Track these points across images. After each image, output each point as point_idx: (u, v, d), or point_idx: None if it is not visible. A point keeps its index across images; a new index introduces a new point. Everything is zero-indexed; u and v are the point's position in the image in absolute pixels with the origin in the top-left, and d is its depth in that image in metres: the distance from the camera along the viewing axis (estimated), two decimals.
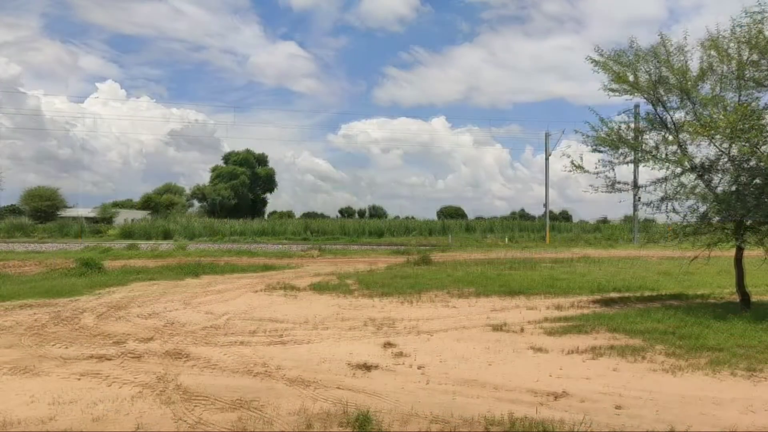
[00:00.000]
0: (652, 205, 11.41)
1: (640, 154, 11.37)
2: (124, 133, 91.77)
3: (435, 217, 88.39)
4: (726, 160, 10.53)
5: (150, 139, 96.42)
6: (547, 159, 51.21)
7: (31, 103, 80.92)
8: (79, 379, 6.08)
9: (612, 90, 11.34)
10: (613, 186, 11.77)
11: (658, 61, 10.75)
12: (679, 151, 10.89)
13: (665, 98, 11.03)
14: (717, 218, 10.53)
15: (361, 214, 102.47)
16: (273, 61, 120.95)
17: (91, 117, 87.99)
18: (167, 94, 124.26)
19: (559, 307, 11.12)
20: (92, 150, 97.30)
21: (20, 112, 77.47)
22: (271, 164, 77.89)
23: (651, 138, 11.56)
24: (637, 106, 12.75)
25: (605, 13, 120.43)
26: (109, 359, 6.96)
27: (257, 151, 73.97)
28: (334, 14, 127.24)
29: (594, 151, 11.70)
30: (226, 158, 70.46)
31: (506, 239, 41.52)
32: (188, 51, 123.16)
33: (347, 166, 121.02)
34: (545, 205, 50.14)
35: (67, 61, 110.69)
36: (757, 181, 10.33)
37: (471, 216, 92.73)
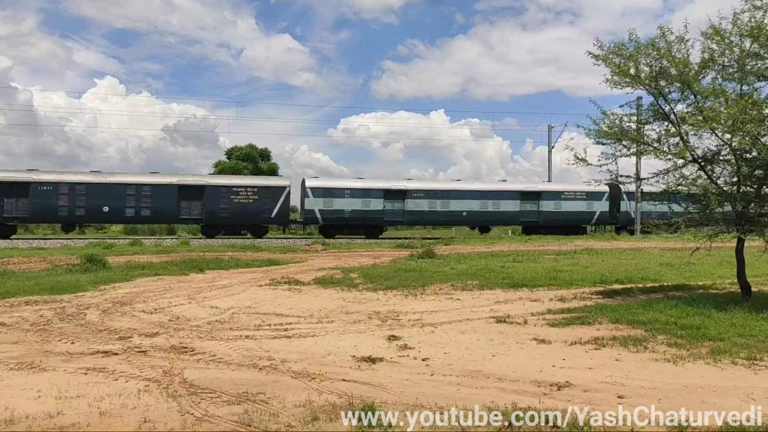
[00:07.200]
0: (654, 196, 11.44)
1: (642, 147, 11.38)
2: (123, 129, 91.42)
3: None
4: (727, 151, 10.54)
5: (149, 134, 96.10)
6: (550, 152, 51.23)
7: (26, 99, 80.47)
8: (85, 374, 6.12)
9: (613, 83, 11.30)
10: (615, 178, 11.84)
11: (658, 53, 10.71)
12: (680, 142, 10.89)
13: (666, 90, 11.02)
14: (718, 209, 10.55)
15: None
16: (270, 55, 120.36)
17: (90, 112, 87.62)
18: (168, 90, 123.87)
19: (562, 299, 11.16)
20: (89, 146, 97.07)
21: (13, 107, 77.28)
22: (272, 159, 78.12)
23: (653, 130, 11.58)
24: (639, 98, 12.74)
25: (600, 4, 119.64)
26: (115, 354, 7.00)
27: (259, 146, 74.34)
28: (329, 6, 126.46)
29: (597, 143, 11.73)
30: (229, 153, 70.30)
31: (509, 232, 41.52)
32: (183, 45, 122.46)
33: (348, 161, 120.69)
34: None
35: (64, 57, 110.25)
36: (758, 172, 10.35)
37: None
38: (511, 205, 37.78)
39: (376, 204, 35.79)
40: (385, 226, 37.70)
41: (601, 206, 39.15)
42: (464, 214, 37.27)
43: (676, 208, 11.62)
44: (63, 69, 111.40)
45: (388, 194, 36.13)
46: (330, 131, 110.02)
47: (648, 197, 38.77)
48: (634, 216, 38.75)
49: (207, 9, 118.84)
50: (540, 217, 38.34)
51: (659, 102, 11.22)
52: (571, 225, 38.70)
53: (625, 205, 39.66)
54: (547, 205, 38.48)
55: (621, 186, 37.97)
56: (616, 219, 40.32)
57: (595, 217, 39.25)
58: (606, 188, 38.85)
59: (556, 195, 38.91)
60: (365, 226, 36.15)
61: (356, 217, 35.50)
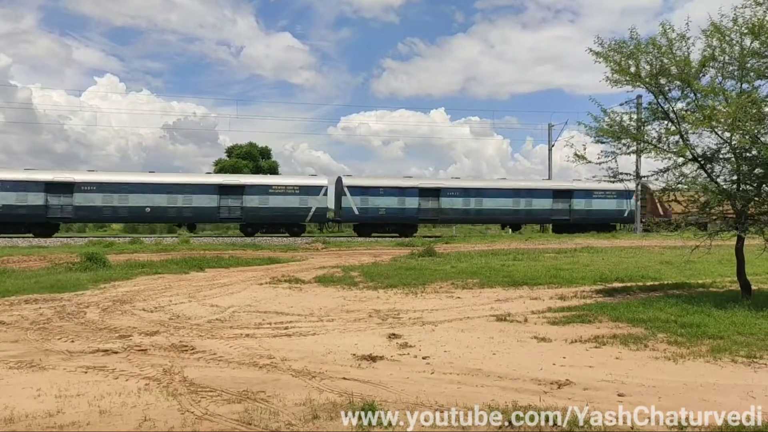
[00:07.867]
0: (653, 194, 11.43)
1: (642, 145, 11.38)
2: (123, 127, 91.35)
3: None
4: (727, 149, 10.54)
5: (149, 132, 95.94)
6: (550, 150, 51.20)
7: (26, 96, 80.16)
8: (85, 373, 6.12)
9: (613, 82, 11.30)
10: (615, 176, 11.82)
11: (659, 51, 10.70)
12: (680, 141, 10.89)
13: (666, 88, 11.01)
14: (718, 208, 10.55)
15: None
16: (270, 53, 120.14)
17: (90, 110, 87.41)
18: (168, 88, 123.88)
19: (562, 297, 11.16)
20: (89, 144, 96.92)
21: (12, 105, 77.02)
22: (272, 157, 78.14)
23: (653, 128, 11.58)
24: (639, 96, 12.71)
25: (600, 2, 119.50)
26: (115, 353, 7.00)
27: (259, 144, 74.54)
28: (328, 4, 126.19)
29: (597, 141, 11.72)
30: (230, 152, 70.41)
31: (510, 230, 41.49)
32: (183, 43, 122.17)
33: (348, 159, 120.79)
34: None
35: (64, 55, 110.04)
36: (758, 170, 10.34)
37: None
38: (207, 200, 34.07)
39: (36, 198, 31.75)
40: (54, 224, 33.83)
41: (318, 202, 35.65)
42: (147, 210, 33.29)
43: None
44: (62, 67, 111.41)
45: (51, 187, 32.11)
46: (330, 129, 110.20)
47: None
48: (357, 213, 36.14)
49: (207, 7, 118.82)
50: (244, 214, 34.70)
51: (659, 100, 11.22)
52: (281, 223, 35.55)
53: (347, 201, 36.03)
54: (252, 201, 34.61)
55: (343, 180, 37.02)
56: (340, 216, 37.23)
57: (311, 213, 35.58)
58: (324, 182, 36.51)
59: (263, 189, 34.99)
60: (25, 224, 32.40)
61: (10, 212, 31.42)
